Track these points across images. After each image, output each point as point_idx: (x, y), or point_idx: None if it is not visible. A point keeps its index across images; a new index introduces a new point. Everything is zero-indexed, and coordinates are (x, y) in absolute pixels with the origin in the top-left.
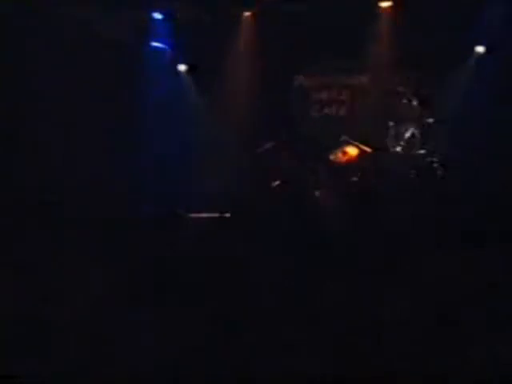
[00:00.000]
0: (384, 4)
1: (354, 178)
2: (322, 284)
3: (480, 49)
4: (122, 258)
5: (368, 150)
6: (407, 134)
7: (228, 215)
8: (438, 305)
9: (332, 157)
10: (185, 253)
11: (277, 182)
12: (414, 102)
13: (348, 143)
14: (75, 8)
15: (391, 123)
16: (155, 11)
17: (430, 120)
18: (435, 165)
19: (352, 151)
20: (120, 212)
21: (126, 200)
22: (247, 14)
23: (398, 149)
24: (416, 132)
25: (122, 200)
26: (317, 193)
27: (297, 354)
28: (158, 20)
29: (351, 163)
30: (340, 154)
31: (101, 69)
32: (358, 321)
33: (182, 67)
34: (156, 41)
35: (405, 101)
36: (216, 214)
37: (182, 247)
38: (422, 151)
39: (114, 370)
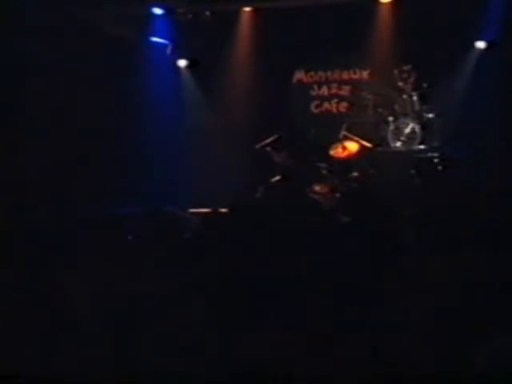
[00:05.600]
0: None
1: (355, 174)
2: (321, 283)
3: (480, 44)
4: (121, 258)
5: (368, 145)
6: (407, 130)
7: (227, 210)
8: (438, 304)
9: (332, 152)
10: (184, 251)
11: (276, 178)
12: (414, 97)
13: (348, 138)
14: (75, 5)
15: (391, 118)
16: (155, 6)
17: (430, 115)
18: (435, 160)
19: (352, 146)
20: (118, 211)
21: (125, 198)
22: (247, 9)
23: (398, 144)
24: (416, 127)
25: (120, 198)
26: (317, 188)
27: (297, 354)
28: (158, 15)
29: (351, 158)
30: (340, 150)
31: (100, 65)
32: (358, 320)
33: (181, 62)
34: (156, 36)
35: (405, 96)
36: (215, 210)
37: (180, 245)
38: (422, 146)
39: (115, 369)
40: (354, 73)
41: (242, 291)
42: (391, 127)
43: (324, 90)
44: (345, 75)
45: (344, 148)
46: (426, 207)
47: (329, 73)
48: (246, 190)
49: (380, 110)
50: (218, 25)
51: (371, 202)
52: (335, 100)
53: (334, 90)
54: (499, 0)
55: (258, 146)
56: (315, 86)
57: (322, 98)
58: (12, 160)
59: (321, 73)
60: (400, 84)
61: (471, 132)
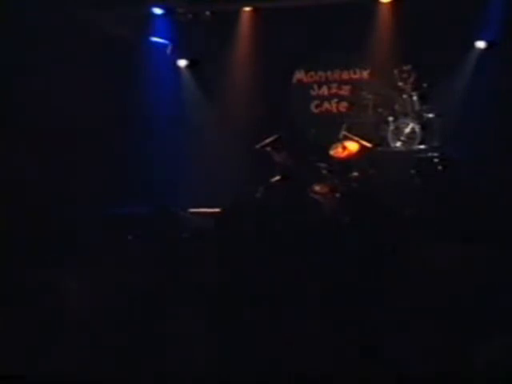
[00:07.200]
0: None
1: (355, 174)
2: (321, 283)
3: (480, 44)
4: (121, 257)
5: (368, 145)
6: (407, 130)
7: (227, 210)
8: (438, 304)
9: (332, 152)
10: (183, 252)
11: (276, 178)
12: (414, 97)
13: (348, 138)
14: (75, 5)
15: (391, 118)
16: (155, 6)
17: (430, 115)
18: (435, 160)
19: (352, 146)
20: (118, 211)
21: (125, 198)
22: (247, 9)
23: (398, 144)
24: (416, 127)
25: (120, 198)
26: (317, 188)
27: (297, 354)
28: (158, 15)
29: (351, 158)
30: (340, 149)
31: (100, 65)
32: (358, 320)
33: (181, 62)
34: (156, 36)
35: (405, 96)
36: (215, 210)
37: (179, 246)
38: (422, 146)
39: (115, 369)
40: (354, 73)
41: (242, 291)
42: (391, 127)
43: (324, 90)
44: (345, 75)
45: (344, 148)
46: (426, 207)
47: (329, 73)
48: (246, 190)
49: (380, 110)
50: (218, 25)
51: (371, 202)
52: (335, 100)
53: (334, 90)
54: (499, 0)
55: (257, 146)
56: (315, 86)
57: (322, 98)
58: (12, 160)
59: (321, 73)
60: (400, 84)
61: (471, 132)
